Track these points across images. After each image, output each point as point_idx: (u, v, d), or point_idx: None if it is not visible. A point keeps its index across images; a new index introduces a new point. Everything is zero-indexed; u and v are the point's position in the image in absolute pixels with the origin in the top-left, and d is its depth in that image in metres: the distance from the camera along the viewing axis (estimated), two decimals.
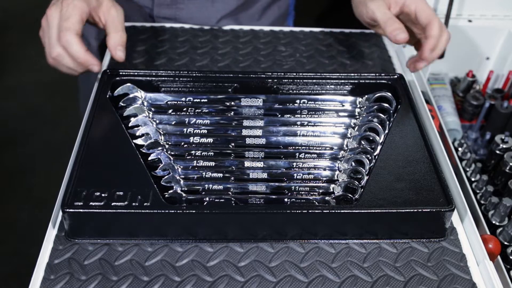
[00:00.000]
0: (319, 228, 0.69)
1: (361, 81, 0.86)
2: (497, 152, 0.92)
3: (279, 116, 0.82)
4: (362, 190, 0.70)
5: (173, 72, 0.86)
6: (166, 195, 0.70)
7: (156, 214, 0.66)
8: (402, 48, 1.04)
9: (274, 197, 0.71)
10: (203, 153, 0.76)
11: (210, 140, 0.77)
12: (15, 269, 1.81)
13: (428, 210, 0.68)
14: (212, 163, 0.74)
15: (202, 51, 1.02)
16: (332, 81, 0.86)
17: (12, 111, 2.48)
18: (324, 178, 0.74)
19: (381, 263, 0.68)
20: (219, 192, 0.71)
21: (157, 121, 0.79)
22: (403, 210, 0.68)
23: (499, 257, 0.74)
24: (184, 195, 0.70)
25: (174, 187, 0.71)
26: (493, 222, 0.82)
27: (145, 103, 0.81)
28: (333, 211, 0.68)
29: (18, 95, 2.57)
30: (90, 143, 0.74)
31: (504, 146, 0.91)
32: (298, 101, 0.83)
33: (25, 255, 1.80)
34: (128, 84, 0.82)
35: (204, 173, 0.73)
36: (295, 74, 0.86)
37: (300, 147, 0.78)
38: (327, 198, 0.71)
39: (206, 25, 1.07)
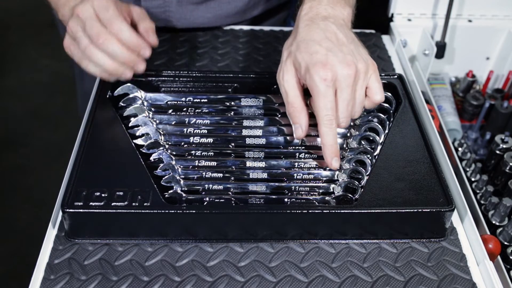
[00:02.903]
0: (319, 228, 0.69)
1: None
2: (497, 152, 0.92)
3: (279, 116, 0.82)
4: (362, 190, 0.70)
5: (173, 72, 0.86)
6: (166, 195, 0.70)
7: (156, 214, 0.66)
8: (402, 48, 1.04)
9: (274, 197, 0.71)
10: (203, 153, 0.76)
11: (210, 140, 0.77)
12: (15, 269, 1.81)
13: (428, 210, 0.68)
14: (212, 163, 0.74)
15: (202, 51, 1.02)
16: None
17: (12, 111, 2.48)
18: (324, 178, 0.74)
19: (381, 263, 0.68)
20: (219, 192, 0.71)
21: (157, 121, 0.79)
22: (403, 210, 0.68)
23: (499, 257, 0.73)
24: (184, 195, 0.70)
25: (174, 187, 0.71)
26: (493, 222, 0.82)
27: (145, 103, 0.81)
28: (333, 211, 0.68)
29: (18, 95, 2.57)
30: (90, 143, 0.74)
31: (504, 146, 0.91)
32: None
33: (25, 255, 1.80)
34: (128, 84, 0.82)
35: (204, 173, 0.73)
36: None
37: (300, 147, 0.78)
38: (327, 198, 0.71)
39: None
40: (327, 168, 0.74)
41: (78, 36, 0.74)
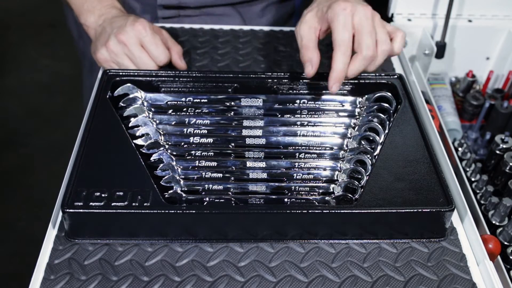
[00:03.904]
0: (319, 228, 0.69)
1: (361, 81, 0.85)
2: (497, 152, 0.92)
3: (279, 116, 0.82)
4: (362, 190, 0.70)
5: (173, 72, 0.86)
6: (166, 195, 0.70)
7: (156, 214, 0.66)
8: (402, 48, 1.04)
9: (274, 197, 0.71)
10: (203, 153, 0.76)
11: (210, 140, 0.77)
12: (15, 269, 1.81)
13: (428, 210, 0.68)
14: (212, 163, 0.74)
15: (202, 51, 1.02)
16: None
17: (12, 111, 2.49)
18: (324, 178, 0.74)
19: (381, 263, 0.68)
20: (219, 192, 0.71)
21: (157, 121, 0.79)
22: (403, 210, 0.68)
23: (499, 257, 0.74)
24: (184, 195, 0.70)
25: (174, 187, 0.71)
26: (493, 222, 0.82)
27: (145, 103, 0.81)
28: (333, 211, 0.68)
29: (18, 95, 2.57)
30: (90, 143, 0.74)
31: (504, 146, 0.91)
32: (298, 101, 0.83)
33: (25, 255, 1.80)
34: (128, 84, 0.82)
35: (204, 173, 0.73)
36: (295, 74, 0.86)
37: (300, 147, 0.78)
38: (327, 198, 0.71)
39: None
40: (327, 168, 0.74)
41: (120, 57, 0.88)
